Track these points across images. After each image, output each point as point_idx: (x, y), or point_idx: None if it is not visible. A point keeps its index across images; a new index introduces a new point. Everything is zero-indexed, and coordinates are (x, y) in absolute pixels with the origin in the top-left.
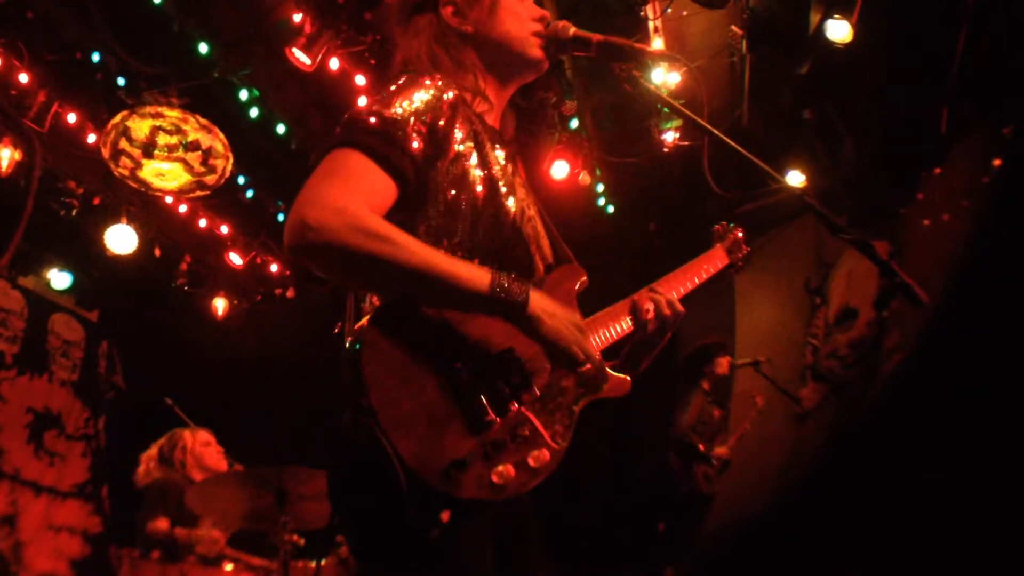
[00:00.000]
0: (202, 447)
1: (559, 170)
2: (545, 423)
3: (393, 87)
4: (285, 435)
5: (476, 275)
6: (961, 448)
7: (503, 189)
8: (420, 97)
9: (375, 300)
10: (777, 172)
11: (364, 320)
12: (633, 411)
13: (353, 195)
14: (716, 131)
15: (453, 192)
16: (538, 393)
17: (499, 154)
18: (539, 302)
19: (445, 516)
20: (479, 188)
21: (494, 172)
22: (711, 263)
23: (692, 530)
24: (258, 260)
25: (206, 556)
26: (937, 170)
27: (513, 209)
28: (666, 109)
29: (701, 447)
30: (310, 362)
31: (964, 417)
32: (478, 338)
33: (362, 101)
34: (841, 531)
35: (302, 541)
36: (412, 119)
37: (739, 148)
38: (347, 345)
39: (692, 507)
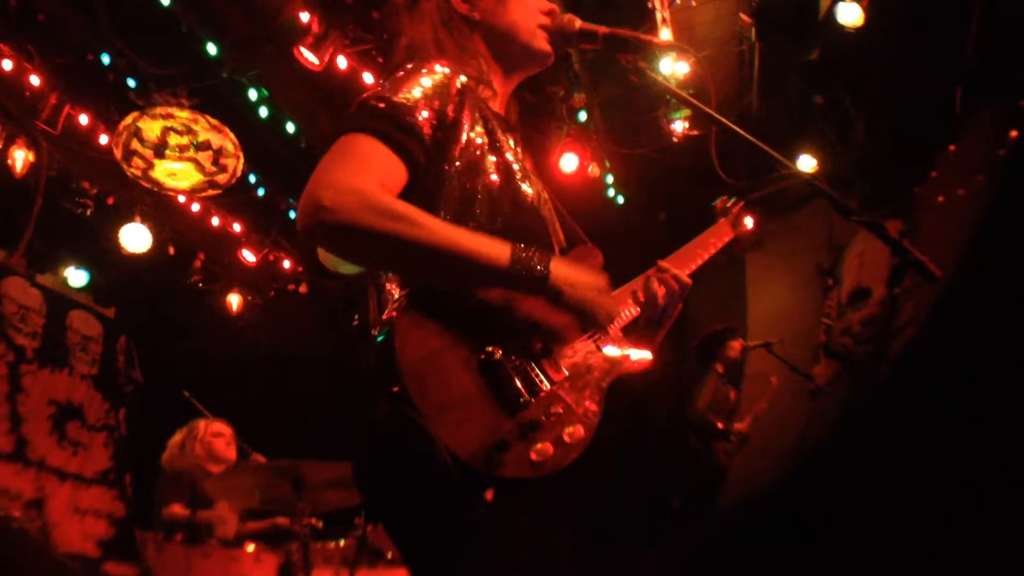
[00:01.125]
0: (212, 436)
1: (568, 163)
2: (576, 400)
3: (401, 73)
4: (299, 425)
5: (497, 250)
6: (970, 425)
7: (519, 174)
8: (428, 83)
9: (395, 289)
10: (788, 158)
11: (393, 308)
12: (646, 391)
13: (367, 176)
14: (724, 120)
15: (468, 178)
16: (567, 372)
17: (510, 140)
18: (560, 271)
19: (488, 496)
20: (494, 174)
21: (507, 158)
22: (716, 237)
23: (708, 505)
24: (271, 257)
25: (224, 537)
26: (951, 148)
27: (531, 193)
28: (674, 100)
29: (720, 425)
30: (323, 355)
31: (975, 392)
32: (507, 319)
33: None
34: (851, 506)
35: (320, 524)
36: (421, 103)
37: (748, 136)
38: (377, 334)
39: (709, 482)
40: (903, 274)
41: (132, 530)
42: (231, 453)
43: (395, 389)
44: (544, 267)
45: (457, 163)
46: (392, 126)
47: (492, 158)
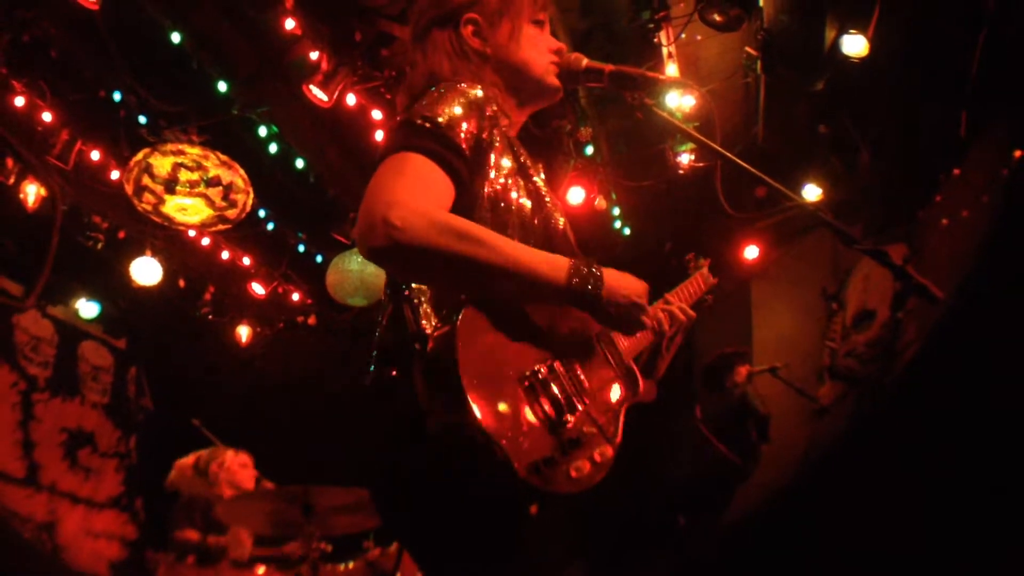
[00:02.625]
0: (238, 468)
1: (575, 196)
2: (604, 422)
3: (437, 92)
4: (307, 452)
5: (557, 264)
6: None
7: (548, 201)
8: (465, 102)
9: (429, 307)
10: (795, 186)
11: (447, 325)
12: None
13: (428, 196)
14: (729, 154)
15: (501, 201)
16: (596, 395)
17: (537, 167)
18: (611, 280)
19: (534, 509)
20: (525, 200)
21: (536, 183)
22: (692, 289)
23: (715, 519)
24: (280, 290)
25: (238, 560)
26: (956, 171)
27: (562, 222)
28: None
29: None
30: (331, 384)
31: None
32: (549, 341)
33: (379, 135)
34: (859, 513)
35: (329, 548)
36: (462, 124)
37: (752, 169)
38: (430, 355)
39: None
40: (906, 297)
41: (144, 552)
42: (251, 484)
43: (455, 405)
44: (598, 281)
45: (489, 185)
46: (441, 145)
47: (523, 184)
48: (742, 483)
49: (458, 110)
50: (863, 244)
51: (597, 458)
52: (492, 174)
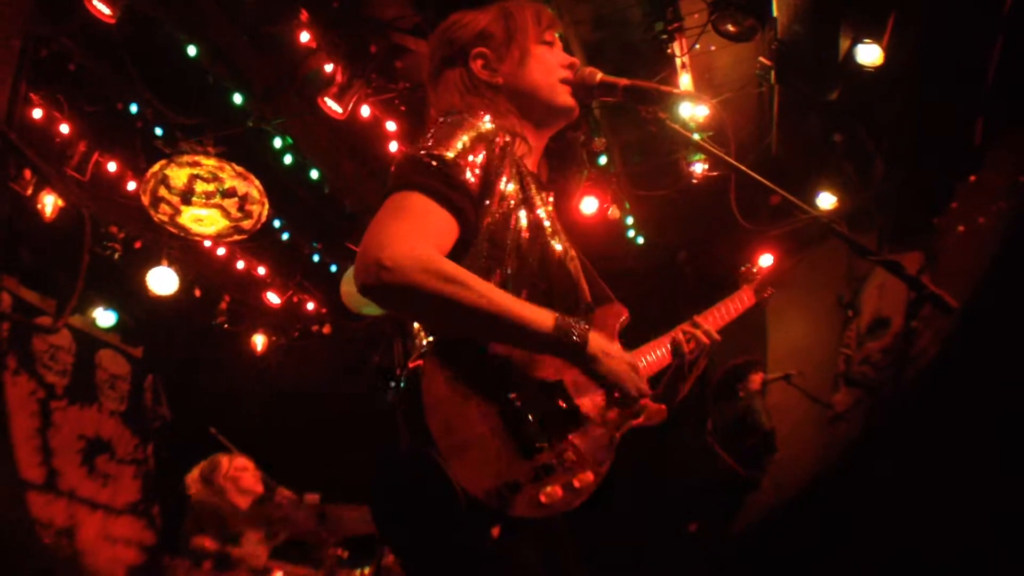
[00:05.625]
0: (239, 471)
1: (588, 205)
2: (588, 449)
3: (447, 127)
4: (322, 460)
5: (541, 318)
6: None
7: (548, 231)
8: (473, 136)
9: (423, 333)
10: (809, 195)
11: (421, 353)
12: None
13: (422, 237)
14: (742, 167)
15: (499, 231)
16: (583, 422)
17: (544, 197)
18: (597, 342)
19: (495, 532)
20: (524, 229)
21: (539, 214)
22: (740, 303)
23: (726, 527)
24: (295, 299)
25: (254, 567)
26: (972, 178)
27: (559, 249)
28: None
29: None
30: (345, 393)
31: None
32: (530, 370)
33: (393, 146)
34: (871, 521)
35: (345, 553)
36: (469, 157)
37: (764, 180)
38: (404, 376)
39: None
40: (920, 307)
41: (161, 558)
42: (258, 487)
43: (419, 429)
44: (584, 338)
45: (491, 215)
46: (446, 185)
47: (524, 213)
48: (751, 492)
49: (467, 143)
50: (877, 255)
51: (576, 484)
52: (496, 205)
